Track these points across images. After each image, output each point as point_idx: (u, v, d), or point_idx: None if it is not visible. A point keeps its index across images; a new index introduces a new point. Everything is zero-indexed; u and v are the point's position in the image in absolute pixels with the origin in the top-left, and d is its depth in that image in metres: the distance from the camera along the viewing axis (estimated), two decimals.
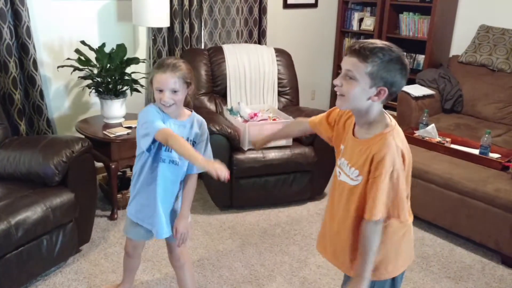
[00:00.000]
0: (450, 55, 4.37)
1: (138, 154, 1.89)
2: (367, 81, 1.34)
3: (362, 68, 1.33)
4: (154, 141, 1.76)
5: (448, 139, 3.21)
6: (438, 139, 3.22)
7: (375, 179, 1.36)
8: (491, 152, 2.99)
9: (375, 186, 1.36)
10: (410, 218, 1.51)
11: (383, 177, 1.34)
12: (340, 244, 1.55)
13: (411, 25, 4.48)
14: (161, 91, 1.76)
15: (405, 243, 1.53)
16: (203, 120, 1.94)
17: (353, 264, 1.51)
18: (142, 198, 1.92)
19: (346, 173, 1.48)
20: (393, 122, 1.44)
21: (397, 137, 1.39)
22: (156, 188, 1.86)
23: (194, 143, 1.88)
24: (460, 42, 4.32)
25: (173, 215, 1.95)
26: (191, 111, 1.94)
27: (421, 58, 4.54)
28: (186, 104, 1.91)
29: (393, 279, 1.53)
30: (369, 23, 4.79)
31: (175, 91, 1.75)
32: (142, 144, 1.79)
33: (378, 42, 1.35)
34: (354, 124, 1.50)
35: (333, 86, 5.22)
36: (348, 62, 1.36)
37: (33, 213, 2.16)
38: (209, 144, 1.96)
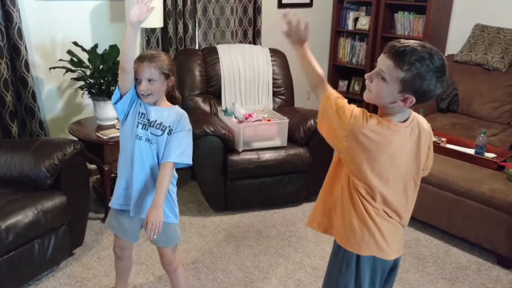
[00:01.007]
0: (445, 54, 4.36)
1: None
2: (397, 86, 1.32)
3: (395, 73, 1.30)
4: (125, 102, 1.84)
5: (443, 139, 3.20)
6: (433, 139, 3.20)
7: None
8: (487, 151, 2.98)
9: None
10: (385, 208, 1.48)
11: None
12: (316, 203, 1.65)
13: (406, 24, 4.47)
14: (139, 80, 1.81)
15: (374, 226, 1.47)
16: (184, 112, 1.92)
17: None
18: (123, 180, 1.93)
19: None
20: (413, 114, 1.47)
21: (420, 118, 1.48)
22: (133, 166, 1.87)
23: (170, 131, 1.85)
24: (455, 41, 4.31)
25: (149, 199, 1.91)
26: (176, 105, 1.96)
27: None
28: (174, 100, 1.95)
29: (358, 258, 1.50)
30: (364, 23, 4.78)
31: (150, 81, 1.80)
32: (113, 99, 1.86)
33: (419, 48, 1.29)
34: None
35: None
36: (383, 62, 1.34)
37: (24, 217, 2.14)
38: (188, 140, 1.88)
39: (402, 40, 1.34)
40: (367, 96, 1.43)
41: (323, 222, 1.62)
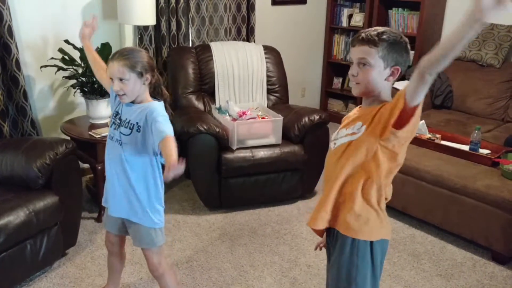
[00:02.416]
0: None
1: None
2: (381, 64, 1.43)
3: (374, 53, 1.42)
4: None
5: (438, 136, 3.19)
6: (428, 135, 3.20)
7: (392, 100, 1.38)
8: (481, 148, 2.97)
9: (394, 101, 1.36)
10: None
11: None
12: (325, 200, 1.55)
13: (401, 21, 4.46)
14: (112, 80, 1.77)
15: (380, 210, 1.53)
16: (152, 104, 1.80)
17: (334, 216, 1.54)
18: (107, 179, 1.95)
19: (343, 136, 1.53)
20: None
21: None
22: (107, 164, 1.89)
23: (139, 128, 1.77)
24: None
25: (128, 202, 1.87)
26: (159, 100, 1.86)
27: (410, 54, 4.52)
28: (160, 98, 1.88)
29: (371, 244, 1.52)
30: (358, 19, 4.76)
31: (122, 80, 1.74)
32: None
33: (379, 28, 1.46)
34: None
35: (323, 83, 5.25)
36: (359, 51, 1.45)
37: (15, 217, 2.11)
38: (167, 124, 1.75)
39: (360, 31, 1.47)
40: (357, 90, 1.50)
41: (330, 218, 1.58)
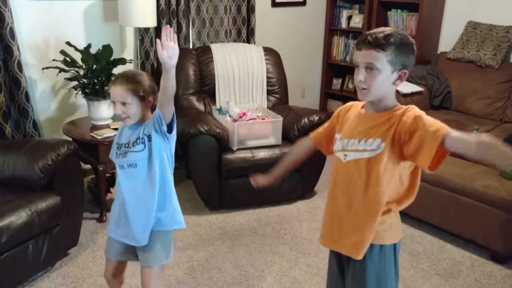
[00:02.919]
0: (438, 52, 4.37)
1: None
2: (389, 68, 1.39)
3: (382, 58, 1.38)
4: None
5: None
6: None
7: (421, 130, 1.33)
8: None
9: (423, 130, 1.32)
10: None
11: (423, 119, 1.34)
12: (356, 222, 1.50)
13: (399, 22, 4.48)
14: (114, 104, 1.75)
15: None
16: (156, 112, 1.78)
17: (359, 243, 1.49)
18: (116, 211, 1.87)
19: (357, 150, 1.46)
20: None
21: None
22: (123, 196, 1.80)
23: (150, 136, 1.73)
24: (448, 39, 4.33)
25: (148, 224, 1.80)
26: None
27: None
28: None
29: (394, 246, 1.54)
30: (357, 21, 4.79)
31: (125, 104, 1.72)
32: None
33: (385, 30, 1.41)
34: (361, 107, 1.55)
35: (323, 84, 5.26)
36: (365, 56, 1.40)
37: (17, 218, 2.13)
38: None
39: (366, 33, 1.43)
40: (366, 96, 1.44)
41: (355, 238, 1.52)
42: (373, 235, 1.48)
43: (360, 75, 1.41)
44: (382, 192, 1.44)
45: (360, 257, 1.50)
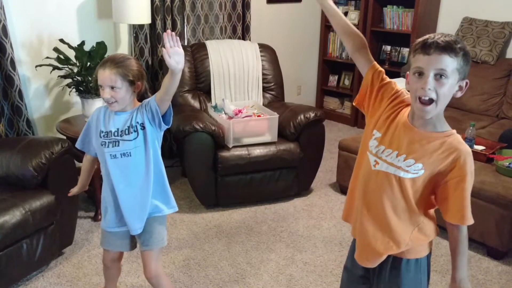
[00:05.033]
0: None
1: None
2: (456, 76, 1.26)
3: (454, 65, 1.24)
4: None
5: None
6: None
7: (460, 182, 1.31)
8: (476, 144, 2.99)
9: (462, 189, 1.32)
10: None
11: (468, 179, 1.31)
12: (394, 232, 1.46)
13: (395, 18, 4.47)
14: (102, 88, 1.72)
15: None
16: (148, 99, 1.79)
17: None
18: (109, 203, 1.86)
19: (392, 164, 1.36)
20: None
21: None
22: (114, 186, 1.79)
23: (143, 125, 1.75)
24: None
25: (143, 212, 1.83)
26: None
27: (405, 51, 4.55)
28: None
29: (428, 256, 1.54)
30: (353, 17, 4.77)
31: (114, 88, 1.70)
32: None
33: (448, 34, 1.28)
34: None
35: (320, 81, 5.25)
36: (436, 61, 1.24)
37: (11, 217, 2.11)
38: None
39: (431, 35, 1.28)
40: (431, 110, 1.28)
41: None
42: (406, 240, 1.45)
43: (429, 83, 1.24)
44: (413, 207, 1.43)
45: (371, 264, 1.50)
